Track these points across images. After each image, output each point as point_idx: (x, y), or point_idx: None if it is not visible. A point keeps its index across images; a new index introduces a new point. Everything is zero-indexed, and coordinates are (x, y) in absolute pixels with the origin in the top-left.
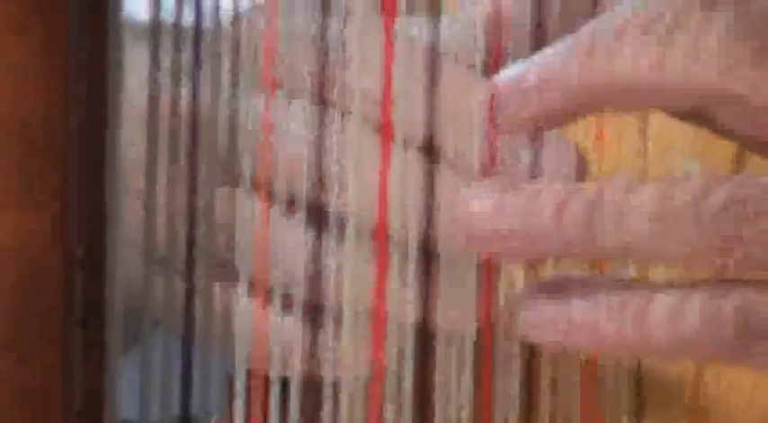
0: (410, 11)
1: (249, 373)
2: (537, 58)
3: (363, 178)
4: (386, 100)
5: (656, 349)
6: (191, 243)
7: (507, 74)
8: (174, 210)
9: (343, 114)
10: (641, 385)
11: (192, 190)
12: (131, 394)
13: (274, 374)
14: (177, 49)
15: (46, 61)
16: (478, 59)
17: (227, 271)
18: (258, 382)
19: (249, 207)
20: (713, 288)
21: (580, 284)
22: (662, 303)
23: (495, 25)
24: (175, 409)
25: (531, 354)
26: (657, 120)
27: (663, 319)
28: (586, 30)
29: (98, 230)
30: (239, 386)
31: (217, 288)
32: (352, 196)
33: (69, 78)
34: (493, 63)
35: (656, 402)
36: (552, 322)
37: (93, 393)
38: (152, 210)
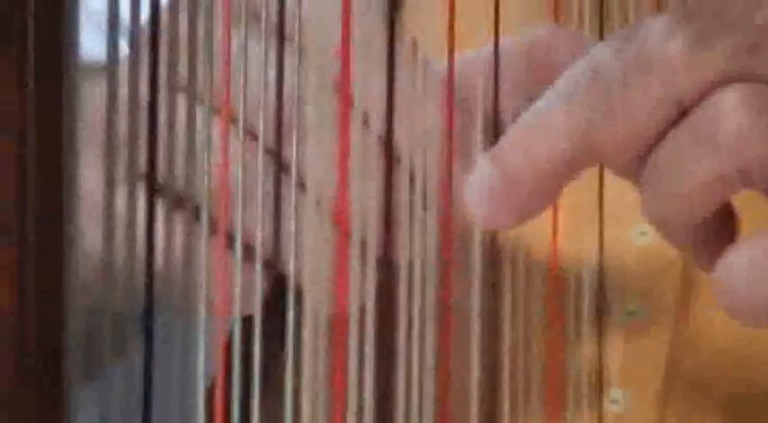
0: None
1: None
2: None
3: (321, 154)
4: (345, 75)
5: None
6: (151, 176)
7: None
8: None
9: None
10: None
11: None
12: None
13: (236, 315)
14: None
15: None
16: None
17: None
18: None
19: (210, 136)
20: None
21: None
22: None
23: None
24: None
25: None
26: (612, 187)
27: None
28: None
29: (54, 248)
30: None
31: (177, 226)
32: (310, 167)
33: (24, 123)
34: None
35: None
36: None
37: None
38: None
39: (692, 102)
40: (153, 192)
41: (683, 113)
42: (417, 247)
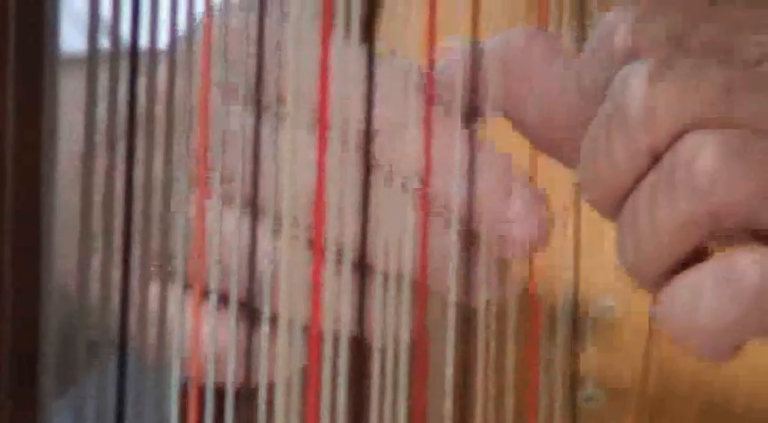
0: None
1: (184, 388)
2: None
3: (298, 183)
4: (323, 102)
5: None
6: (127, 238)
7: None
8: (111, 198)
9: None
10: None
11: (129, 181)
12: None
13: (209, 382)
14: (113, 90)
15: None
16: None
17: (162, 269)
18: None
19: (186, 198)
20: None
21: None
22: None
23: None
24: None
25: (465, 368)
26: None
27: None
28: None
29: (32, 253)
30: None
31: (152, 288)
32: (286, 200)
33: (2, 116)
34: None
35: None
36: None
37: None
38: (88, 202)
39: (667, 147)
40: (127, 259)
41: (658, 158)
42: (392, 257)
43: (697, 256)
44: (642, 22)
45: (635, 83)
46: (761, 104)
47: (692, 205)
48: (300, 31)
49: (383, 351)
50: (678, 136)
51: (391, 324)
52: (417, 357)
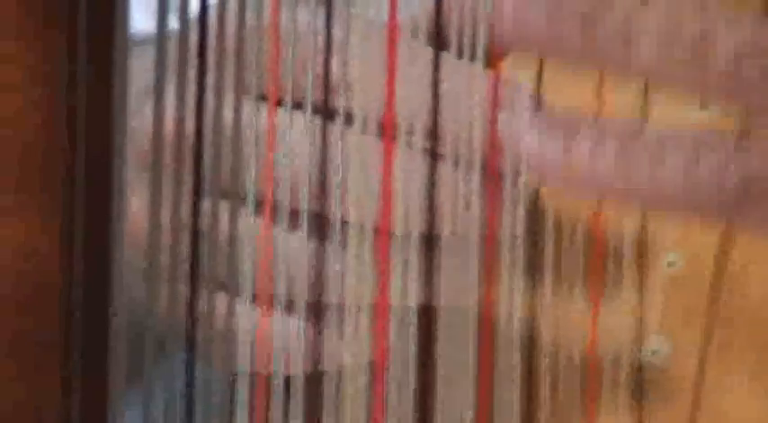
0: None
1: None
2: None
3: (365, 178)
4: (389, 100)
5: (661, 200)
6: (194, 255)
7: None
8: (178, 223)
9: (345, 118)
10: (642, 381)
11: (196, 202)
12: None
13: (277, 374)
14: (183, 57)
15: (48, 79)
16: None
17: (228, 282)
18: (260, 380)
19: (251, 220)
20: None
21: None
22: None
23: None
24: None
25: (531, 343)
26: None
27: (674, 169)
28: None
29: (102, 249)
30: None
31: (219, 298)
32: (353, 198)
33: (74, 95)
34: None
35: (657, 399)
36: (555, 165)
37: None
38: (156, 223)
39: None
40: (195, 282)
41: None
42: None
43: None
44: None
45: None
46: None
47: None
48: None
49: (451, 326)
50: None
51: (458, 287)
52: (485, 319)
